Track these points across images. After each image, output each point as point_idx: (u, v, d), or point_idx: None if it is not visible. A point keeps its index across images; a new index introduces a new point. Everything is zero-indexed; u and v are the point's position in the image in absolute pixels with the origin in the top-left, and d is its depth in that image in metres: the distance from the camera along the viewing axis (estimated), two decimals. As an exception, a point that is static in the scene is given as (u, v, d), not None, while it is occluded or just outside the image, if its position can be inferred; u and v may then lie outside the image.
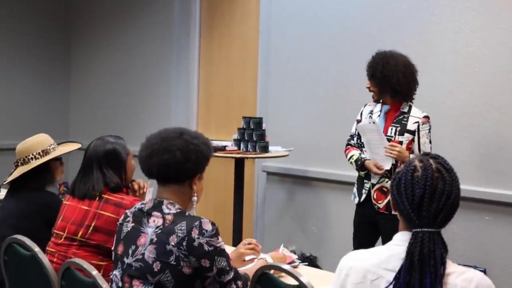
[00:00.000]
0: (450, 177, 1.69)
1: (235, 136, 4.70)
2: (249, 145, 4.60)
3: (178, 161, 2.12)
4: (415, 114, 3.65)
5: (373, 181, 3.70)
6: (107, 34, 6.73)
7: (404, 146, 3.59)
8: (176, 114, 6.06)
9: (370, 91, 3.69)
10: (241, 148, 4.62)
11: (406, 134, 3.62)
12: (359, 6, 4.63)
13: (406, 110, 3.66)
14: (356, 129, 3.76)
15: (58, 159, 3.11)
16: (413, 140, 3.61)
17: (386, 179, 3.66)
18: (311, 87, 4.89)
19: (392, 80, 3.58)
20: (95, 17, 6.83)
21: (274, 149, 4.68)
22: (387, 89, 3.61)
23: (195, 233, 2.10)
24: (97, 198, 2.70)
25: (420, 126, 3.63)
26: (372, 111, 3.73)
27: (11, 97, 6.68)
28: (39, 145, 3.07)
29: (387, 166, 3.62)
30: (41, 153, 3.04)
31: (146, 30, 6.32)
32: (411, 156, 3.21)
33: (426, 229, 1.64)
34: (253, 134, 4.60)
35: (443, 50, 4.26)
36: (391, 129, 3.64)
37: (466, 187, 3.81)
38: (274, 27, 5.15)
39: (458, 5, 4.19)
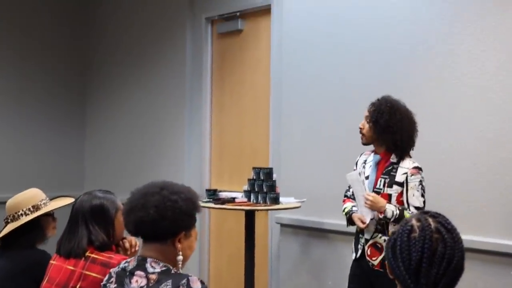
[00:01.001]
0: (451, 238, 1.58)
1: (245, 187, 4.63)
2: (259, 197, 4.52)
3: (153, 219, 2.03)
4: (405, 165, 3.53)
5: (367, 236, 3.61)
6: (121, 82, 6.77)
7: (393, 199, 3.50)
8: (189, 163, 6.06)
9: (361, 132, 3.61)
10: (251, 200, 4.54)
11: (395, 186, 3.51)
12: (375, 52, 4.54)
13: (395, 160, 3.56)
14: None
15: (49, 214, 3.03)
16: (402, 192, 3.51)
17: (380, 234, 3.56)
18: (324, 135, 4.86)
19: (395, 134, 3.51)
20: (110, 65, 6.90)
21: (286, 200, 4.60)
22: (385, 141, 3.55)
23: None
24: (83, 257, 2.59)
25: (409, 178, 3.51)
26: (366, 160, 3.67)
27: (25, 145, 6.72)
28: (30, 200, 3.00)
29: (367, 219, 3.54)
30: (31, 209, 2.97)
31: (159, 78, 6.36)
32: (408, 214, 3.05)
33: None
34: (263, 185, 4.51)
35: (459, 95, 4.09)
36: (380, 180, 3.55)
37: (490, 239, 3.77)
38: (285, 75, 5.14)
39: (474, 49, 4.02)
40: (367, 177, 3.62)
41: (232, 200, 4.50)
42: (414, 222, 1.61)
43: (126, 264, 2.13)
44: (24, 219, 2.96)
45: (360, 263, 3.66)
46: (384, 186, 3.53)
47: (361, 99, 4.35)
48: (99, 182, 6.30)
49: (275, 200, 4.47)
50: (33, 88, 6.73)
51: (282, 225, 5.16)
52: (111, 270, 2.21)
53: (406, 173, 3.51)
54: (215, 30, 5.89)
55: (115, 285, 2.09)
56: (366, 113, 3.61)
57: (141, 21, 6.52)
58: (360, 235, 3.66)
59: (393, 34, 4.42)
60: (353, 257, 3.71)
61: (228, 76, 5.88)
